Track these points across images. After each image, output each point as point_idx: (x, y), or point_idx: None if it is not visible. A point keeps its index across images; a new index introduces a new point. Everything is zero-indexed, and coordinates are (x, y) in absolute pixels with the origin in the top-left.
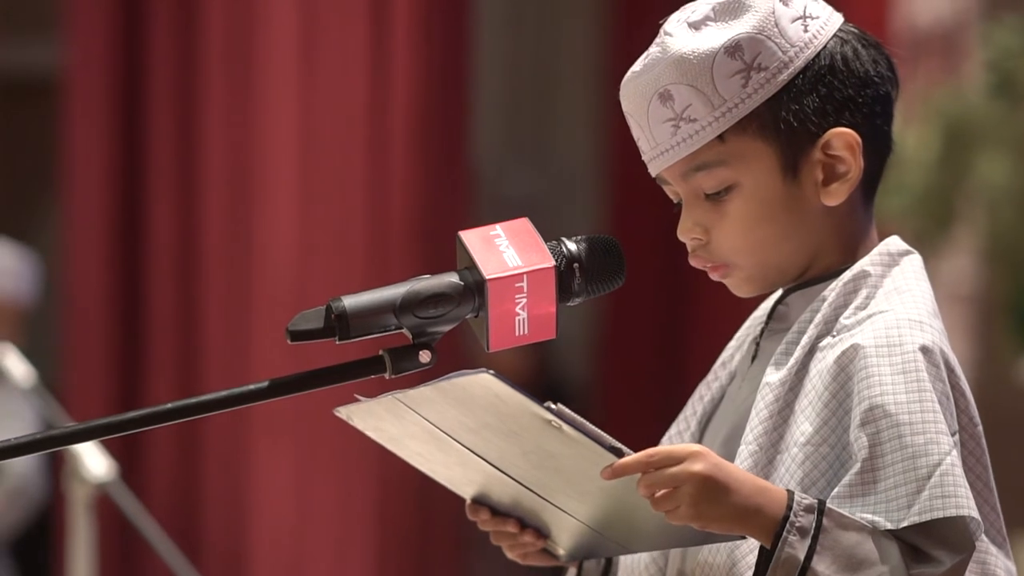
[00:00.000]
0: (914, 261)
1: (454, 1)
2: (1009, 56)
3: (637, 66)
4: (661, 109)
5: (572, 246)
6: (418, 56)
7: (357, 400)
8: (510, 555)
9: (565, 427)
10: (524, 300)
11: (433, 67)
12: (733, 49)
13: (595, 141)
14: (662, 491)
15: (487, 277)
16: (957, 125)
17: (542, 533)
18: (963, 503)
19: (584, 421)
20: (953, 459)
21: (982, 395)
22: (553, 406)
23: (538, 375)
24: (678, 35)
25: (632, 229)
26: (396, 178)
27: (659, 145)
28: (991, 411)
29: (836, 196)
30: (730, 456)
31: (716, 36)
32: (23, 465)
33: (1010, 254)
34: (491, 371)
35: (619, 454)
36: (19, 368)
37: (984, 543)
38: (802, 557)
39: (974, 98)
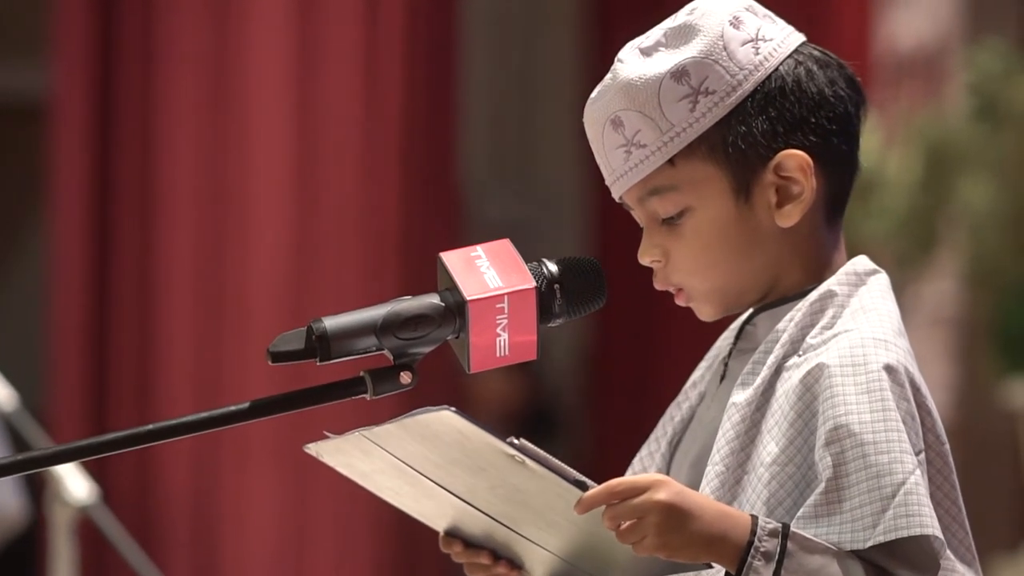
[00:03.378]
0: (880, 280)
1: (441, 26)
2: (991, 79)
3: (594, 93)
4: (614, 135)
5: (553, 267)
6: (406, 79)
7: (326, 437)
8: None
9: (528, 462)
10: (505, 321)
11: (420, 91)
12: (679, 74)
13: (578, 164)
14: (627, 523)
15: (468, 298)
16: (939, 148)
17: (515, 564)
18: (927, 522)
19: (547, 455)
20: (917, 478)
21: (964, 418)
22: (516, 441)
23: (524, 396)
24: (628, 61)
25: (615, 251)
26: (383, 200)
27: (615, 171)
28: (973, 434)
29: (790, 217)
30: (699, 477)
31: (664, 61)
32: None
33: (992, 277)
34: (452, 408)
35: (583, 487)
36: (1, 391)
37: (951, 561)
38: None
39: (956, 121)
